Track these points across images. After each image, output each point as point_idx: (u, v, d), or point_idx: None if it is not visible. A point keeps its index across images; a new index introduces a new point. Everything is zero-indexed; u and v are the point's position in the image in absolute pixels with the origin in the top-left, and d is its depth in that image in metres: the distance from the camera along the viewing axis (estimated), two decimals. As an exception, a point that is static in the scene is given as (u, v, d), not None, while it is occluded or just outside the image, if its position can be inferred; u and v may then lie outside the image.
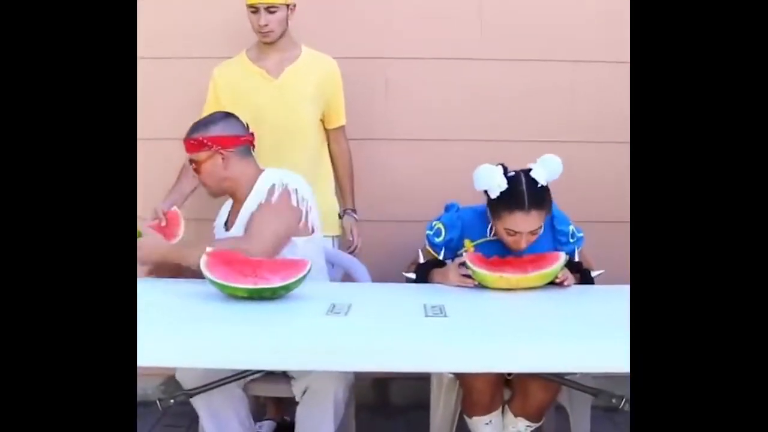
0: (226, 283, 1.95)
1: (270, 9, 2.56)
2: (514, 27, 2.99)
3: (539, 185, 2.14)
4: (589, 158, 3.01)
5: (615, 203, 3.00)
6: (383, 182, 3.01)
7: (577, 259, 2.26)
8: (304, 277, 1.97)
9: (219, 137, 2.23)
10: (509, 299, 2.06)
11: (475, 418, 2.15)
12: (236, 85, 2.69)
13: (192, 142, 2.24)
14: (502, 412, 2.18)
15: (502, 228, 2.16)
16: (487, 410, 2.13)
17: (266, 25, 2.58)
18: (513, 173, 2.17)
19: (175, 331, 1.70)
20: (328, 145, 2.83)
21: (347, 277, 2.62)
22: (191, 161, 2.27)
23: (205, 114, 2.73)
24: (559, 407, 2.28)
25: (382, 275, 2.56)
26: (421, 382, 2.49)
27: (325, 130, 2.81)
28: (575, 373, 2.09)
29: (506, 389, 2.19)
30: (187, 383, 2.06)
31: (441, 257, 2.27)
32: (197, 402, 2.09)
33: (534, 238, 2.17)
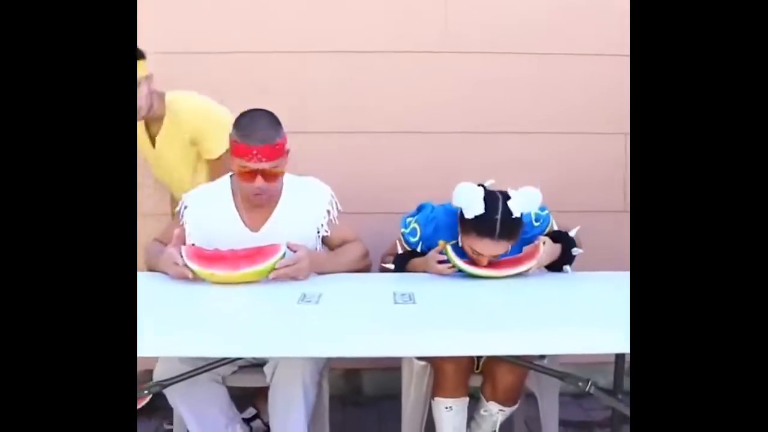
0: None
1: None
2: (479, 20, 3.02)
3: (513, 216, 2.14)
4: (560, 149, 3.06)
5: (595, 193, 3.05)
6: (354, 175, 3.02)
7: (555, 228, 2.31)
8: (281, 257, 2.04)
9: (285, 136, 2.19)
10: (475, 287, 2.09)
11: (436, 399, 2.16)
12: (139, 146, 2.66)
13: (278, 147, 2.13)
14: (478, 398, 2.20)
15: (467, 244, 2.19)
16: (450, 394, 2.14)
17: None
18: (491, 196, 2.16)
19: (149, 321, 1.70)
20: None
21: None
22: (266, 171, 2.12)
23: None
24: (528, 394, 2.32)
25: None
26: (391, 372, 2.51)
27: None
28: (543, 358, 2.14)
29: (480, 376, 2.22)
30: (164, 376, 2.04)
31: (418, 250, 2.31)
32: (174, 397, 2.09)
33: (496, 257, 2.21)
